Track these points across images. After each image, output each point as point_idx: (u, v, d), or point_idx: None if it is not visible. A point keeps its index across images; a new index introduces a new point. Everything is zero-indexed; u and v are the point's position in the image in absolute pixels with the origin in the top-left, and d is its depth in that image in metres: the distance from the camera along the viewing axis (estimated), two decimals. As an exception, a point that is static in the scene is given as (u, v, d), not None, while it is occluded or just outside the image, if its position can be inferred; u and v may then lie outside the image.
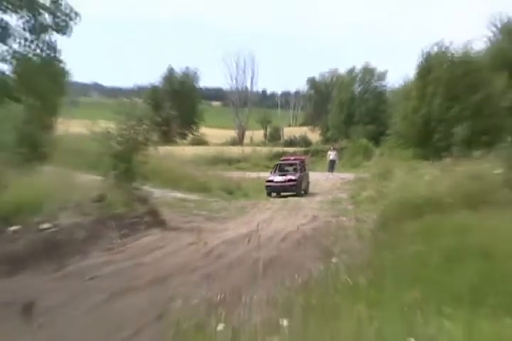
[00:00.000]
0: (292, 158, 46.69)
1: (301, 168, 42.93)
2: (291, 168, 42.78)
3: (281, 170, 42.81)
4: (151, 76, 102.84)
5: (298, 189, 40.39)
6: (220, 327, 6.99)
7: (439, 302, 8.62)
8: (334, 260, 14.31)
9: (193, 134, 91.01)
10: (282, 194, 39.92)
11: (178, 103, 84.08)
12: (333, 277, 12.01)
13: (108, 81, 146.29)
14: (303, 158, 48.05)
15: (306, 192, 41.40)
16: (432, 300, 8.74)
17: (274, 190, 40.45)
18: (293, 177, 40.71)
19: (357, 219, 25.17)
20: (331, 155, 55.44)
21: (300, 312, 7.89)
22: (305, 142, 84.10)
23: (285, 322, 7.00)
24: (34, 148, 23.79)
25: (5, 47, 15.42)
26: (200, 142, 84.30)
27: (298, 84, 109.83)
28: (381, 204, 25.37)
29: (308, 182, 42.91)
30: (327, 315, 8.17)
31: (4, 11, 15.37)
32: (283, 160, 46.52)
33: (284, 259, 16.71)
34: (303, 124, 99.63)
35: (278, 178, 40.90)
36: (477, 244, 12.00)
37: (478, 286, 9.51)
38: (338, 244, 18.29)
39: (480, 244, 11.96)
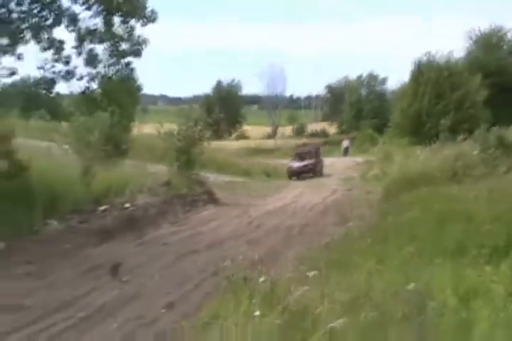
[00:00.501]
0: (308, 148, 45.66)
1: (316, 154, 41.88)
2: (307, 156, 41.56)
3: (299, 157, 41.66)
4: (205, 87, 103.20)
5: (314, 171, 39.67)
6: (262, 279, 6.98)
7: (431, 255, 8.55)
8: (350, 224, 14.25)
9: (237, 131, 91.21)
10: (304, 176, 38.90)
11: (225, 107, 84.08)
12: (349, 238, 11.97)
13: (172, 92, 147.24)
14: (317, 145, 47.42)
15: (321, 174, 40.30)
16: (426, 253, 8.69)
17: (294, 174, 39.41)
18: (309, 162, 40.02)
19: (366, 191, 25.05)
20: (345, 143, 55.19)
21: (323, 267, 7.84)
22: (324, 134, 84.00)
23: (311, 275, 6.97)
24: (117, 146, 23.94)
25: (94, 71, 15.46)
26: (243, 137, 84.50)
27: (318, 89, 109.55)
28: (385, 180, 25.21)
29: (322, 166, 41.55)
30: (345, 268, 8.14)
31: (93, 42, 15.42)
32: (300, 147, 46.07)
33: (311, 225, 16.68)
34: (322, 121, 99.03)
35: (296, 164, 40.07)
36: (461, 209, 11.86)
37: (463, 241, 9.41)
38: (353, 211, 18.22)
39: (464, 209, 11.81)
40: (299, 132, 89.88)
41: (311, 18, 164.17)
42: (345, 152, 54.50)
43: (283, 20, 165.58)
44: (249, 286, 7.10)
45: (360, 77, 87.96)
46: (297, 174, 39.38)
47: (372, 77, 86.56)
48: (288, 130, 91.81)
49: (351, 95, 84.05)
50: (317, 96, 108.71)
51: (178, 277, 10.70)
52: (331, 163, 44.07)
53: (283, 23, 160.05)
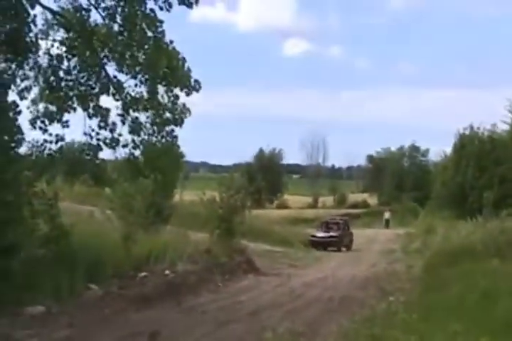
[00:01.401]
0: (338, 218, 43.34)
1: (344, 226, 39.51)
2: (335, 226, 39.32)
3: (325, 227, 39.50)
4: (246, 154, 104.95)
5: (339, 244, 36.98)
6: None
7: (477, 334, 8.39)
8: (391, 298, 14.07)
9: (278, 200, 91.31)
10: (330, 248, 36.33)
11: (266, 176, 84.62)
12: (391, 312, 11.81)
13: (213, 160, 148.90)
14: (346, 219, 43.95)
15: (349, 248, 37.82)
16: (471, 332, 8.53)
17: (317, 244, 36.82)
18: (334, 234, 37.51)
19: (407, 265, 24.72)
20: (386, 215, 54.96)
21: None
22: (365, 205, 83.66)
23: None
24: (158, 212, 24.18)
25: (138, 138, 15.78)
26: (284, 206, 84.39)
27: (359, 159, 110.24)
28: (426, 253, 24.91)
29: (351, 240, 39.04)
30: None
31: (138, 110, 15.79)
32: (330, 219, 43.00)
33: (351, 298, 16.48)
34: (363, 191, 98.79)
35: (321, 234, 37.69)
36: (506, 285, 11.65)
37: (510, 320, 9.21)
38: (393, 285, 17.98)
39: (508, 285, 11.61)
40: (340, 202, 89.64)
41: (352, 88, 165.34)
42: (387, 224, 54.19)
43: (324, 89, 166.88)
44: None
45: (401, 148, 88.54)
46: (320, 245, 36.83)
47: (414, 148, 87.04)
48: (329, 200, 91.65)
49: (392, 166, 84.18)
50: (358, 167, 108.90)
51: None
52: (371, 234, 43.72)
53: (324, 92, 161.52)
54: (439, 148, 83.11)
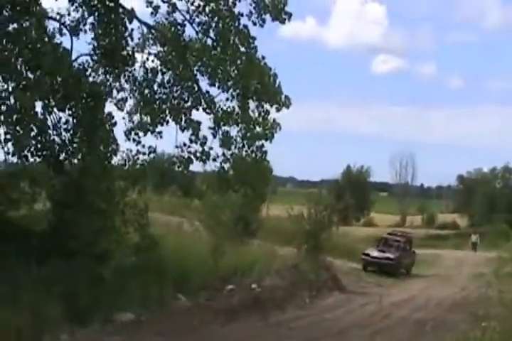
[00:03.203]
0: (399, 234, 35.01)
1: (404, 246, 32.52)
2: (394, 245, 32.11)
3: (383, 245, 32.34)
4: (333, 172, 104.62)
5: (395, 269, 29.66)
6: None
7: None
8: (483, 324, 13.60)
9: (365, 217, 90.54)
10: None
11: (353, 193, 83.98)
12: (485, 339, 11.41)
13: (300, 175, 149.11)
14: (409, 235, 36.33)
15: (407, 273, 31.69)
16: None
17: (369, 265, 30.14)
18: (391, 256, 29.98)
19: (499, 290, 23.86)
20: (473, 238, 53.42)
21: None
22: (454, 226, 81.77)
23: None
24: (246, 226, 24.36)
25: (228, 152, 15.92)
26: (370, 224, 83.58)
27: (449, 179, 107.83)
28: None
29: (412, 263, 33.22)
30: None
31: (228, 125, 15.96)
32: (390, 234, 35.16)
33: (440, 321, 16.06)
34: (453, 212, 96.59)
35: (375, 253, 30.30)
36: None
37: None
38: (485, 310, 17.38)
39: None
40: (429, 222, 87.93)
41: (443, 106, 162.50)
42: (474, 247, 52.58)
43: (414, 107, 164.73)
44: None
45: (494, 169, 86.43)
46: (372, 266, 30.10)
47: (507, 169, 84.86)
48: (417, 219, 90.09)
49: (484, 187, 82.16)
50: (448, 187, 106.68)
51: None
52: (460, 256, 42.57)
53: (414, 110, 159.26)
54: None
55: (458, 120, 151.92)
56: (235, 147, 16.04)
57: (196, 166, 16.73)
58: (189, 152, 16.09)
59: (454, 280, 30.39)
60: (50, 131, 14.72)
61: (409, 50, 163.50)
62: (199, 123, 16.13)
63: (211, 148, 16.04)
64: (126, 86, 16.47)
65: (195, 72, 16.04)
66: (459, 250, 46.71)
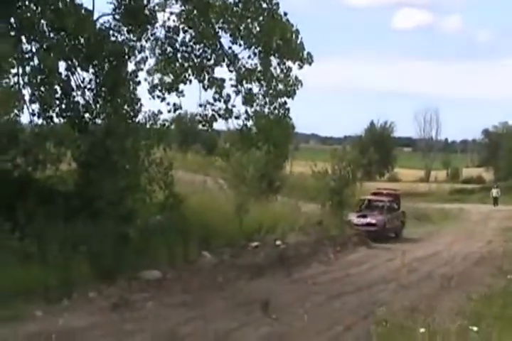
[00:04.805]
0: (384, 193, 28.37)
1: (390, 207, 27.01)
2: (378, 207, 26.51)
3: (366, 208, 26.28)
4: (356, 128, 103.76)
5: (379, 235, 24.02)
6: (422, 330, 6.71)
7: None
8: (509, 277, 13.57)
9: (388, 173, 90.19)
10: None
11: (377, 149, 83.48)
12: (510, 291, 11.40)
13: (323, 131, 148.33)
14: (396, 193, 30.01)
15: (397, 236, 26.52)
16: None
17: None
18: (372, 221, 24.59)
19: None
20: (494, 192, 52.89)
21: (486, 321, 7.46)
22: (480, 180, 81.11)
23: (475, 329, 6.64)
24: (270, 183, 24.39)
25: (251, 109, 15.87)
26: (395, 179, 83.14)
27: (474, 133, 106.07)
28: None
29: (401, 224, 27.68)
30: (508, 325, 7.71)
31: (251, 82, 15.86)
32: (374, 193, 28.32)
33: (465, 275, 16.06)
34: (478, 166, 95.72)
35: (354, 220, 24.22)
36: None
37: None
38: (511, 263, 17.35)
39: None
40: (454, 177, 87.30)
41: (469, 60, 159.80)
42: (495, 201, 52.04)
43: (439, 62, 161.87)
44: (404, 336, 6.91)
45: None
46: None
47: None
48: (441, 174, 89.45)
49: (510, 141, 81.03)
50: (473, 141, 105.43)
51: (328, 318, 10.66)
52: (486, 210, 42.29)
53: (439, 64, 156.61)
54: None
55: (483, 74, 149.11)
56: (258, 104, 16.00)
57: (219, 125, 16.74)
58: (213, 110, 16.08)
59: (480, 234, 30.28)
60: (74, 92, 14.78)
61: (433, 3, 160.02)
62: (223, 80, 16.06)
63: (234, 106, 16.03)
64: (147, 45, 16.40)
65: (217, 29, 15.90)
66: (485, 204, 46.39)
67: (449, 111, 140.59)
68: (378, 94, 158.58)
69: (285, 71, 15.89)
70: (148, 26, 15.95)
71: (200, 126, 16.81)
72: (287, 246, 17.66)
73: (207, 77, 16.04)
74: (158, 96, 16.14)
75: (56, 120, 14.48)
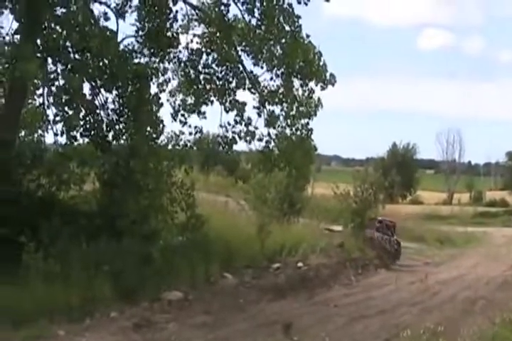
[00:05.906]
0: (379, 219, 23.97)
1: None
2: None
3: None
4: (378, 149, 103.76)
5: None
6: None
7: None
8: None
9: (411, 195, 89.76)
10: None
11: (400, 171, 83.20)
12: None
13: (345, 153, 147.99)
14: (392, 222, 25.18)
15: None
16: None
17: None
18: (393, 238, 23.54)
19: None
20: (516, 214, 52.34)
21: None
22: (504, 203, 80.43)
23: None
24: (291, 204, 24.38)
25: (273, 131, 15.98)
26: (417, 202, 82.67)
27: (497, 155, 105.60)
28: None
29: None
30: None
31: (273, 104, 15.98)
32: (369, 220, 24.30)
33: (489, 299, 15.88)
34: (502, 189, 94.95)
35: (376, 234, 22.91)
36: None
37: None
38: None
39: None
40: (477, 200, 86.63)
41: (491, 82, 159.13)
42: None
43: (461, 83, 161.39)
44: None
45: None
46: None
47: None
48: (465, 197, 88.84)
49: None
50: (496, 163, 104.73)
51: (348, 342, 10.61)
52: (508, 234, 41.83)
53: (461, 85, 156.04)
54: None
55: (506, 95, 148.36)
56: (279, 126, 16.08)
57: (241, 145, 16.84)
58: (233, 132, 16.20)
59: (503, 258, 29.97)
60: (97, 112, 14.98)
61: (458, 24, 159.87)
62: (244, 104, 16.18)
63: (256, 128, 16.13)
64: (170, 67, 16.59)
65: (239, 52, 16.08)
66: (508, 227, 45.88)
67: (472, 133, 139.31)
68: (401, 115, 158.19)
69: (307, 92, 16.00)
70: (171, 49, 16.17)
71: (220, 148, 16.93)
72: (309, 267, 17.60)
73: (229, 99, 16.20)
74: (181, 121, 16.33)
75: (80, 139, 14.67)
